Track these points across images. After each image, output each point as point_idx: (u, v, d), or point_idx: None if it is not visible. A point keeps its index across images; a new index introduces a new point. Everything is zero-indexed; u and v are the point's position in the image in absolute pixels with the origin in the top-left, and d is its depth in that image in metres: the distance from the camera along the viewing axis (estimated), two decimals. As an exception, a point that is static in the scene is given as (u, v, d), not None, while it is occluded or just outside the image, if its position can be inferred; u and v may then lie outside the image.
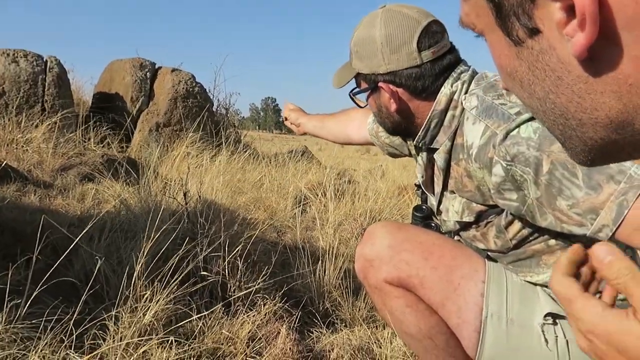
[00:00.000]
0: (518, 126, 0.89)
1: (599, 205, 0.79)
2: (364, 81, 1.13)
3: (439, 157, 1.09)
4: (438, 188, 1.14)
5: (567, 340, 1.00)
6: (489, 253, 1.11)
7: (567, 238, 1.00)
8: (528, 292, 1.06)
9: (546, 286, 1.05)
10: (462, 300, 1.04)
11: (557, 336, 1.01)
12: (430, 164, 1.18)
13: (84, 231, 1.61)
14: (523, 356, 1.03)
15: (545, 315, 1.01)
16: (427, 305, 1.09)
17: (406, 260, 1.08)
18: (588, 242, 0.98)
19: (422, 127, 1.09)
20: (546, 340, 1.00)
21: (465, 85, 1.05)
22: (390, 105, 1.09)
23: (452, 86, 1.05)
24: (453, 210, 1.10)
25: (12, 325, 1.23)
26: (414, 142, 1.14)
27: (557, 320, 1.02)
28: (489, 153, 0.94)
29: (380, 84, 1.08)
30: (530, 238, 1.03)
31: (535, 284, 1.07)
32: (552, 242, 1.02)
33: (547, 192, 0.86)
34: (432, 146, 1.11)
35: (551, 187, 0.85)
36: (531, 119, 0.89)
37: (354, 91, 1.17)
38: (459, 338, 1.08)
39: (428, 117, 1.07)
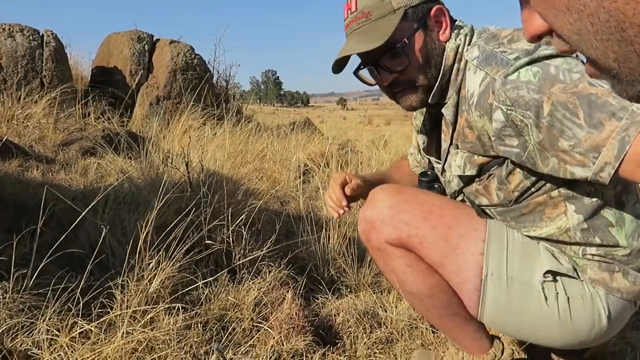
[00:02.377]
0: (517, 70, 0.88)
1: (600, 143, 0.78)
2: (409, 21, 1.03)
3: (448, 112, 1.08)
4: (445, 144, 1.12)
5: (567, 297, 1.00)
6: (493, 210, 1.10)
7: (570, 188, 0.99)
8: (529, 249, 1.05)
9: (549, 239, 1.04)
10: (461, 259, 1.04)
11: (557, 293, 1.00)
12: (436, 124, 1.17)
13: (91, 205, 1.61)
14: (524, 313, 1.03)
15: (545, 273, 1.01)
16: (427, 265, 1.09)
17: (406, 220, 1.08)
18: (590, 189, 0.98)
19: (438, 81, 1.06)
20: (546, 297, 1.00)
21: (467, 38, 1.05)
22: (441, 34, 1.05)
23: (456, 40, 1.05)
24: (455, 165, 1.09)
25: (19, 295, 1.24)
26: (430, 99, 1.09)
27: (558, 277, 1.01)
28: (488, 99, 0.93)
29: (433, 10, 1.04)
30: (532, 189, 1.01)
31: (539, 239, 1.06)
32: (555, 193, 1.00)
33: (548, 135, 0.85)
34: (441, 101, 1.10)
35: (553, 128, 0.83)
36: (531, 62, 0.88)
37: (408, 36, 1.04)
38: (460, 296, 1.08)
39: (440, 73, 1.05)
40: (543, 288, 1.00)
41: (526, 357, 1.43)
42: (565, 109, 0.81)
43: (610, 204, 1.00)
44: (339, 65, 1.10)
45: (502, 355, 1.17)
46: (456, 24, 1.08)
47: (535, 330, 1.04)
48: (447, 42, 1.05)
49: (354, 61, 1.13)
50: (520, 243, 1.06)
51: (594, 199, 0.99)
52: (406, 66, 1.05)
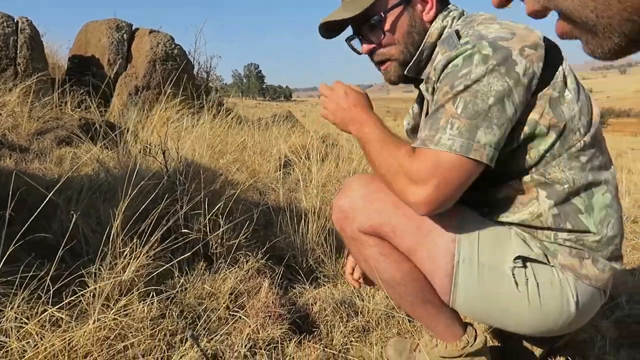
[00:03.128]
0: (457, 56, 0.99)
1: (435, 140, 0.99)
2: None
3: (423, 87, 1.15)
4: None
5: (537, 283, 1.02)
6: (466, 196, 1.11)
7: (542, 174, 1.03)
8: (500, 235, 1.06)
9: (521, 225, 1.06)
10: (433, 247, 1.05)
11: (527, 279, 1.02)
12: (422, 104, 1.23)
13: (59, 192, 1.57)
14: (495, 299, 1.04)
15: (515, 258, 1.02)
16: (400, 253, 1.09)
17: (378, 209, 1.08)
18: (561, 176, 1.01)
19: (415, 57, 1.13)
20: (517, 283, 1.01)
21: (454, 21, 1.10)
22: (425, 14, 1.12)
23: (442, 21, 1.11)
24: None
25: (-13, 283, 1.21)
26: (405, 71, 1.16)
27: (528, 263, 1.03)
28: (430, 74, 1.07)
29: None
30: (503, 170, 1.05)
31: (511, 224, 1.07)
32: (527, 178, 1.04)
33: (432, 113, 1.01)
34: (419, 77, 1.17)
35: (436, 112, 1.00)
36: (472, 55, 0.97)
37: (385, 10, 1.10)
38: (432, 284, 1.09)
39: (420, 48, 1.12)
40: (513, 274, 1.01)
41: (499, 344, 1.45)
42: (475, 100, 0.96)
43: (580, 192, 1.02)
44: (328, 31, 1.18)
45: (474, 342, 1.18)
46: (448, 7, 1.14)
47: (506, 316, 1.06)
48: (433, 23, 1.11)
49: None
50: (492, 229, 1.07)
51: (565, 186, 1.01)
52: (382, 39, 1.12)
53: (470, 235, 1.05)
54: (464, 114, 0.95)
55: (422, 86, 1.15)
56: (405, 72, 1.15)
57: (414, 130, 1.32)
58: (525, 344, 1.38)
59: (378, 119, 1.12)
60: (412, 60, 1.13)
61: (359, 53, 1.19)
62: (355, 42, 1.19)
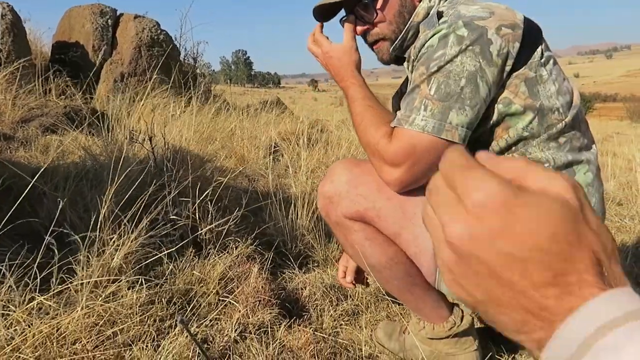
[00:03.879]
0: (433, 35, 1.02)
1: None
2: None
3: (405, 65, 1.18)
4: None
5: None
6: None
7: (525, 151, 1.06)
8: None
9: None
10: (418, 229, 1.06)
11: None
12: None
13: (41, 177, 1.55)
14: None
15: None
16: (385, 237, 1.10)
17: (363, 194, 1.09)
18: (542, 155, 1.04)
19: (401, 36, 1.14)
20: None
21: (441, 2, 1.11)
22: None
23: (430, 1, 1.11)
24: None
25: (-27, 271, 1.20)
26: (391, 49, 1.18)
27: None
28: (412, 53, 1.11)
29: None
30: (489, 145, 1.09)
31: None
32: (516, 155, 1.05)
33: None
34: (403, 55, 1.18)
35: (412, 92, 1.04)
36: (446, 35, 1.00)
37: None
38: (418, 266, 1.10)
39: (406, 27, 1.13)
40: None
41: (486, 326, 1.47)
42: (448, 81, 0.99)
43: (561, 170, 1.04)
44: (322, 14, 1.19)
45: (461, 322, 1.20)
46: None
47: None
48: (421, 2, 1.12)
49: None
50: None
51: (546, 165, 1.03)
52: (374, 18, 1.13)
53: None
54: (436, 95, 0.99)
55: (405, 64, 1.17)
56: (390, 51, 1.17)
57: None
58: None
59: (375, 99, 1.16)
60: (398, 39, 1.14)
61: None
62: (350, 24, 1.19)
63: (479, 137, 1.05)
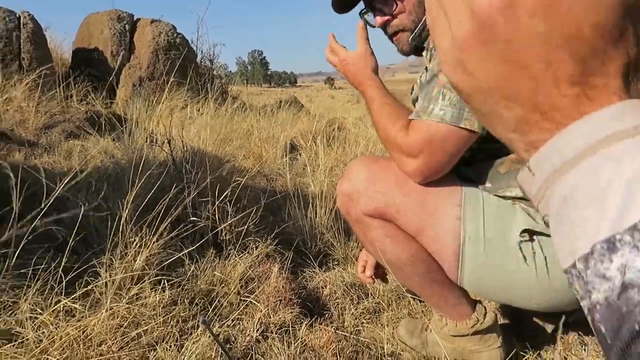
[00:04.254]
0: None
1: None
2: None
3: (425, 54, 1.15)
4: None
5: (545, 257, 1.01)
6: (471, 172, 1.11)
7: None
8: (505, 210, 1.05)
9: (524, 199, 1.05)
10: (438, 225, 1.05)
11: (534, 252, 1.01)
12: None
13: (64, 183, 1.58)
14: (503, 274, 1.04)
15: (522, 232, 1.01)
16: (406, 234, 1.09)
17: (382, 191, 1.08)
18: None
19: (420, 25, 1.13)
20: (524, 257, 1.01)
21: None
22: None
23: None
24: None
25: (1, 276, 1.23)
26: (410, 39, 1.16)
27: (534, 237, 1.02)
28: (430, 42, 1.07)
29: None
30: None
31: (514, 199, 1.06)
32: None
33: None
34: (421, 45, 1.16)
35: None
36: None
37: None
38: (439, 263, 1.09)
39: (423, 19, 1.12)
40: (520, 248, 1.00)
41: (510, 322, 1.45)
42: None
43: None
44: (341, 6, 1.19)
45: (484, 319, 1.18)
46: None
47: (514, 292, 1.05)
48: None
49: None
50: (496, 205, 1.06)
51: None
52: (393, 10, 1.12)
53: (474, 212, 1.04)
54: None
55: (424, 53, 1.15)
56: (409, 41, 1.16)
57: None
58: (537, 320, 1.38)
59: (391, 96, 1.16)
60: (417, 28, 1.13)
61: (372, 26, 1.19)
62: (369, 16, 1.20)
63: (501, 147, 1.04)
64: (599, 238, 0.23)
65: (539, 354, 1.30)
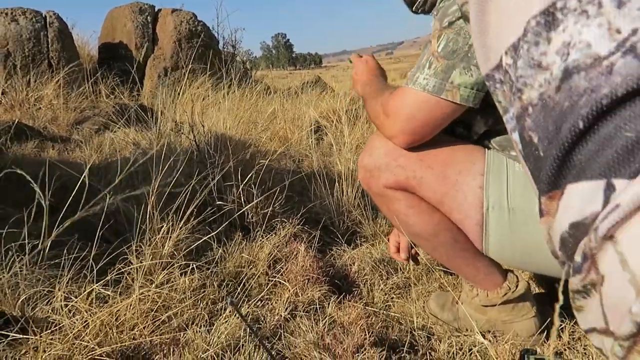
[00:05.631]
0: None
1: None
2: None
3: (432, 23, 1.12)
4: None
5: None
6: (494, 142, 1.07)
7: None
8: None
9: None
10: (461, 196, 1.02)
11: None
12: None
13: (94, 174, 1.62)
14: (528, 244, 1.00)
15: None
16: (429, 204, 1.07)
17: (402, 164, 1.07)
18: None
19: None
20: None
21: None
22: None
23: None
24: None
25: (37, 266, 1.27)
26: (414, 7, 1.16)
27: None
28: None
29: None
30: None
31: None
32: None
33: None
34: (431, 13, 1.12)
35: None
36: None
37: None
38: (464, 233, 1.06)
39: None
40: None
41: (544, 291, 1.41)
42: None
43: None
44: None
45: (516, 287, 1.15)
46: None
47: (541, 260, 1.01)
48: None
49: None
50: (521, 173, 1.02)
51: None
52: None
53: (498, 181, 1.01)
54: (442, 52, 0.95)
55: (432, 22, 1.11)
56: (415, 8, 1.15)
57: None
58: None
59: (382, 82, 1.20)
60: None
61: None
62: None
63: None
64: (533, 12, 0.17)
65: (575, 322, 1.26)
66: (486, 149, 1.05)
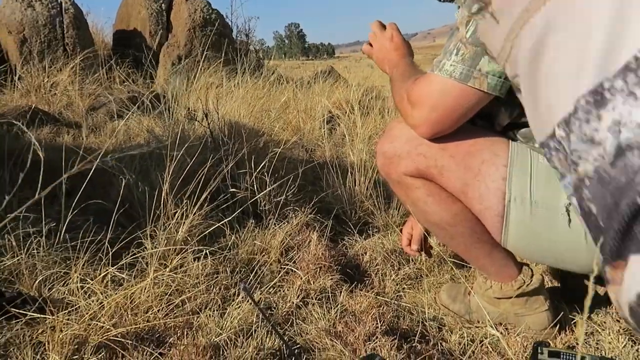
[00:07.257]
0: None
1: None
2: None
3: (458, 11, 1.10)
4: None
5: None
6: (517, 133, 1.05)
7: None
8: (554, 172, 1.00)
9: None
10: (483, 186, 1.01)
11: None
12: None
13: (109, 159, 1.63)
14: (548, 237, 0.99)
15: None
16: (448, 193, 1.06)
17: (424, 152, 1.05)
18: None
19: None
20: (571, 220, 0.95)
21: None
22: None
23: None
24: None
25: (53, 249, 1.29)
26: None
27: None
28: None
29: None
30: None
31: None
32: None
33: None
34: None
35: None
36: None
37: None
38: (484, 224, 1.05)
39: None
40: (568, 211, 0.95)
41: (557, 285, 1.40)
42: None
43: None
44: None
45: (530, 281, 1.14)
46: None
47: (561, 254, 1.01)
48: None
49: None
50: (545, 166, 1.00)
51: None
52: None
53: (522, 173, 0.99)
54: (471, 39, 0.92)
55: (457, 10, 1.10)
56: None
57: None
58: (587, 282, 1.33)
59: (410, 64, 1.15)
60: None
61: None
62: None
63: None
64: (582, 91, 0.18)
65: (589, 316, 1.25)
66: (510, 141, 1.03)
